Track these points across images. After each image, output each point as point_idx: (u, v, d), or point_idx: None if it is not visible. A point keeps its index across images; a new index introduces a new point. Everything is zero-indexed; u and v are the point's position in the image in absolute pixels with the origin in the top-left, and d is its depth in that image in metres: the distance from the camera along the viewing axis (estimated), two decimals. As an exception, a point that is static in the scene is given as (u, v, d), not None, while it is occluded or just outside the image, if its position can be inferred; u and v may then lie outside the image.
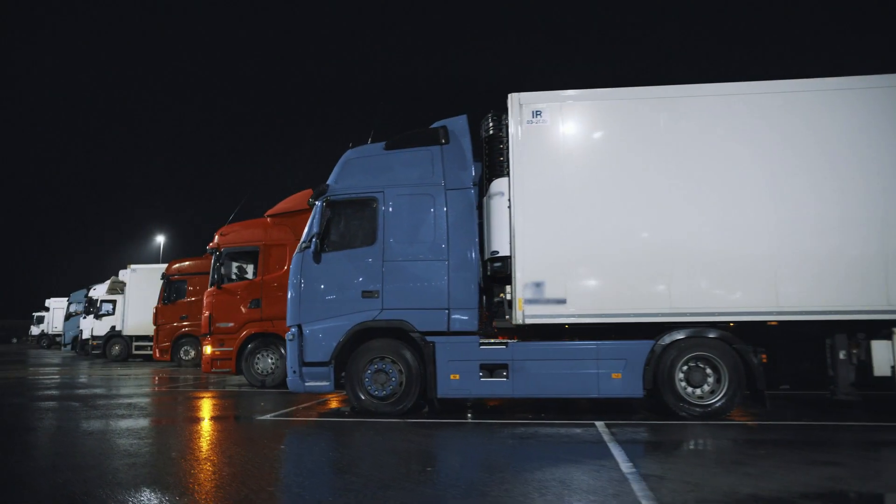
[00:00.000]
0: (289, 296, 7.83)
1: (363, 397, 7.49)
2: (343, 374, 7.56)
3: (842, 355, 7.06)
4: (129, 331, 21.90)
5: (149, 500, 4.02)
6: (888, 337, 6.86)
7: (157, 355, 18.91)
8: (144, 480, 4.58)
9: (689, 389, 7.12)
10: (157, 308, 18.74)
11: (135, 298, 21.53)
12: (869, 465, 5.21)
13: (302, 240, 7.91)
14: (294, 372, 7.61)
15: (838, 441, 6.13)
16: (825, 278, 6.91)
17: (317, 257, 7.71)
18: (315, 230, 7.72)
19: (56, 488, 4.38)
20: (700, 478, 4.43)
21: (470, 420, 7.57)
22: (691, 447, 6.00)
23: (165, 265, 20.01)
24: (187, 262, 18.78)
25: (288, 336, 7.76)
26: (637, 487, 4.07)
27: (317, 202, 7.84)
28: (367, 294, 7.58)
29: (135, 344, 21.89)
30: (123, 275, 22.70)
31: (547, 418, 7.38)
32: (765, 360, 7.08)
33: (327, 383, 7.53)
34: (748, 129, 7.13)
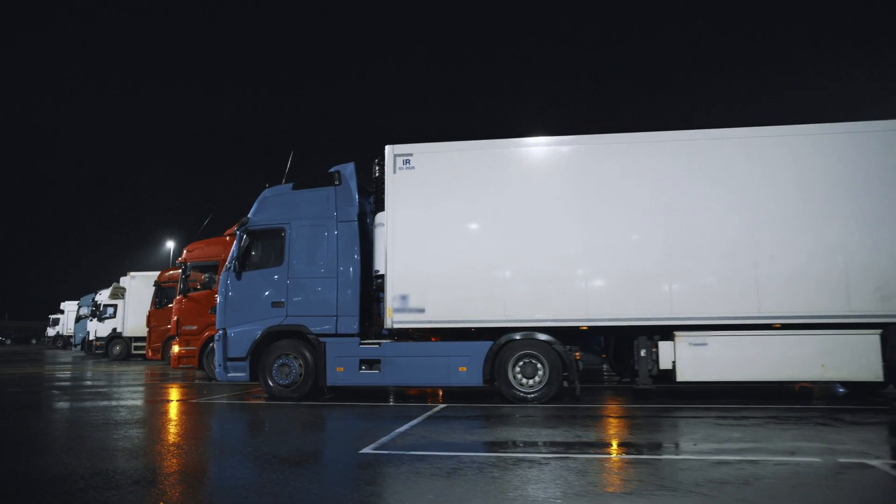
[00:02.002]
0: (217, 305, 10.15)
1: (271, 385, 9.76)
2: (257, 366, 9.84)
3: (642, 353, 9.10)
4: (128, 332, 24.58)
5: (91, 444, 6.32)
6: (671, 339, 8.90)
7: (150, 355, 21.44)
8: (84, 436, 6.89)
9: (523, 380, 9.22)
10: (149, 312, 21.28)
11: (134, 303, 24.18)
12: (606, 430, 7.23)
13: (227, 260, 10.22)
14: (220, 365, 9.93)
15: (597, 414, 8.16)
16: (624, 292, 8.96)
17: (238, 275, 10.01)
18: (236, 254, 10.03)
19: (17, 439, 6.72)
20: (443, 434, 6.56)
21: (341, 403, 9.72)
22: (470, 415, 8.10)
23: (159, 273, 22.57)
24: (177, 271, 21.28)
25: (216, 337, 10.08)
26: (406, 428, 6.22)
27: (238, 231, 10.13)
28: (275, 304, 9.84)
29: (133, 344, 24.55)
30: (124, 281, 25.41)
31: (401, 402, 9.54)
32: (578, 358, 9.17)
33: (244, 374, 9.82)
34: (562, 176, 9.23)
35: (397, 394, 10.76)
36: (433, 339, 9.80)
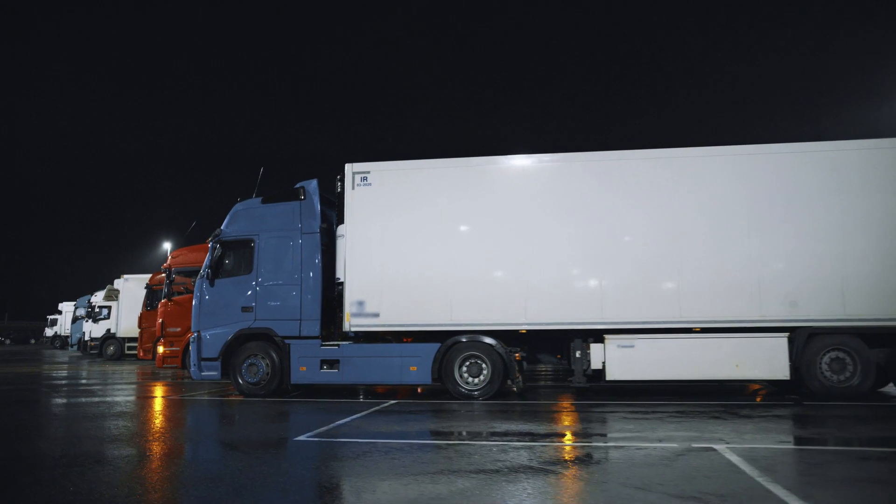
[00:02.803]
0: (192, 310, 11.15)
1: (241, 383, 10.76)
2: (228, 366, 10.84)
3: (577, 354, 10.06)
4: (122, 333, 25.64)
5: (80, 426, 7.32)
6: (602, 341, 9.87)
7: (142, 354, 22.41)
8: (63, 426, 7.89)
9: (469, 378, 10.19)
10: (141, 313, 22.30)
11: (127, 304, 25.22)
12: (543, 422, 8.19)
13: (202, 268, 11.22)
14: (195, 365, 10.94)
15: (524, 409, 9.12)
16: (560, 299, 9.92)
17: (211, 282, 11.02)
18: (209, 262, 11.03)
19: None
20: (376, 425, 7.53)
21: (303, 399, 10.67)
22: (413, 410, 9.06)
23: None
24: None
25: (192, 339, 11.09)
26: (347, 420, 7.20)
27: (211, 242, 11.13)
28: (245, 309, 10.84)
29: (127, 345, 25.59)
30: (118, 283, 26.48)
31: (357, 398, 10.52)
32: (518, 359, 10.14)
33: (216, 373, 10.82)
34: (503, 192, 10.20)
35: (367, 391, 11.72)
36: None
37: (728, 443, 5.99)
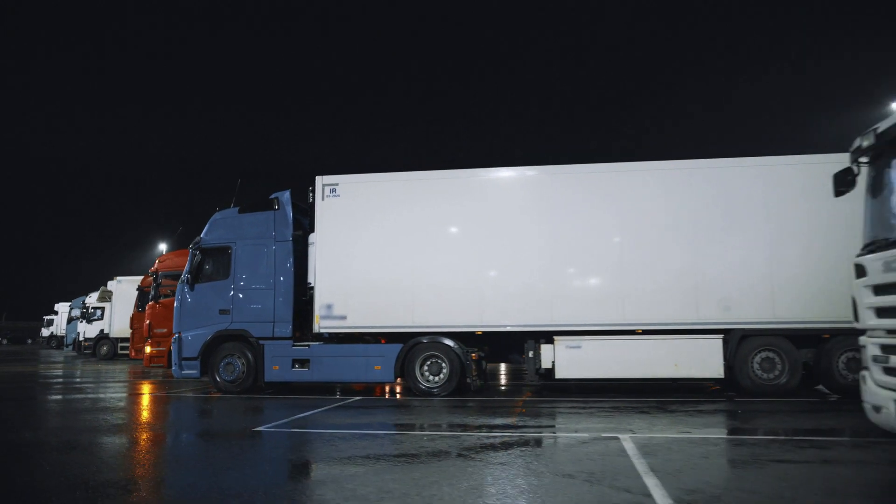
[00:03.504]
0: (174, 312, 12.00)
1: (219, 381, 11.60)
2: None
3: (530, 354, 10.89)
4: (115, 333, 26.52)
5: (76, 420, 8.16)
6: (552, 342, 10.70)
7: (133, 354, 23.26)
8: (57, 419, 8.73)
9: (430, 376, 11.03)
10: (133, 314, 23.15)
11: (120, 306, 26.09)
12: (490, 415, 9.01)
13: (183, 273, 12.06)
14: (176, 364, 11.78)
15: (474, 404, 9.93)
16: (513, 303, 10.75)
17: (191, 286, 11.86)
18: (189, 268, 11.88)
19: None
20: (332, 418, 8.36)
21: (275, 396, 11.51)
22: (372, 406, 9.89)
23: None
24: (159, 276, 23.14)
25: (173, 339, 11.93)
26: (308, 414, 8.02)
27: (191, 249, 11.98)
28: (222, 311, 11.69)
29: (119, 345, 26.46)
30: (111, 285, 27.34)
31: (325, 395, 11.34)
32: (475, 358, 10.97)
33: (196, 371, 11.67)
34: (462, 203, 11.03)
35: (338, 389, 12.55)
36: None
37: (634, 433, 6.82)
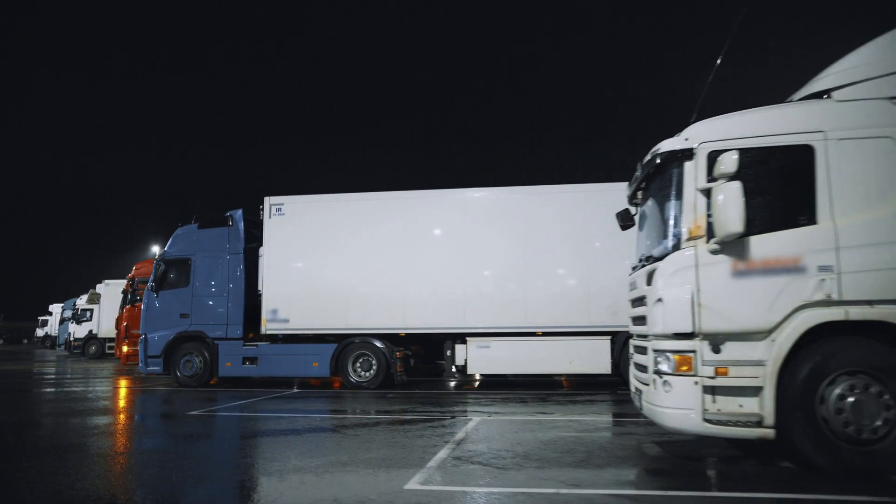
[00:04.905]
0: (141, 315, 13.86)
1: (179, 375, 13.45)
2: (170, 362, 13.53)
3: (448, 353, 12.70)
4: (103, 334, 28.40)
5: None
6: (465, 343, 12.50)
7: (118, 353, 25.19)
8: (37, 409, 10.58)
9: (362, 372, 12.84)
10: (118, 316, 25.02)
11: (107, 307, 27.95)
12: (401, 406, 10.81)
13: (148, 282, 13.92)
14: (142, 361, 13.65)
15: (391, 395, 11.72)
16: (432, 308, 12.56)
17: (156, 293, 13.72)
18: (154, 277, 13.73)
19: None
20: (264, 405, 10.17)
21: (226, 389, 13.34)
22: (306, 396, 11.68)
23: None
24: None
25: (140, 340, 13.79)
26: (245, 402, 9.83)
27: (157, 260, 13.84)
28: (183, 315, 13.54)
29: (107, 345, 28.34)
30: (100, 288, 29.25)
31: (271, 388, 13.17)
32: (400, 356, 12.78)
33: (159, 368, 13.53)
34: (388, 221, 12.84)
35: (283, 383, 14.39)
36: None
37: (489, 415, 8.62)
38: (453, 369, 12.71)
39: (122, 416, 9.40)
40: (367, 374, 12.81)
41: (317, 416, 9.17)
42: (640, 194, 6.89)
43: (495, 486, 4.85)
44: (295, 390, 12.78)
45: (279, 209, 13.27)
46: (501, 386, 13.23)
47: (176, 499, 4.81)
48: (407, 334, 12.82)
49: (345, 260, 12.92)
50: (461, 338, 12.58)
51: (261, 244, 13.71)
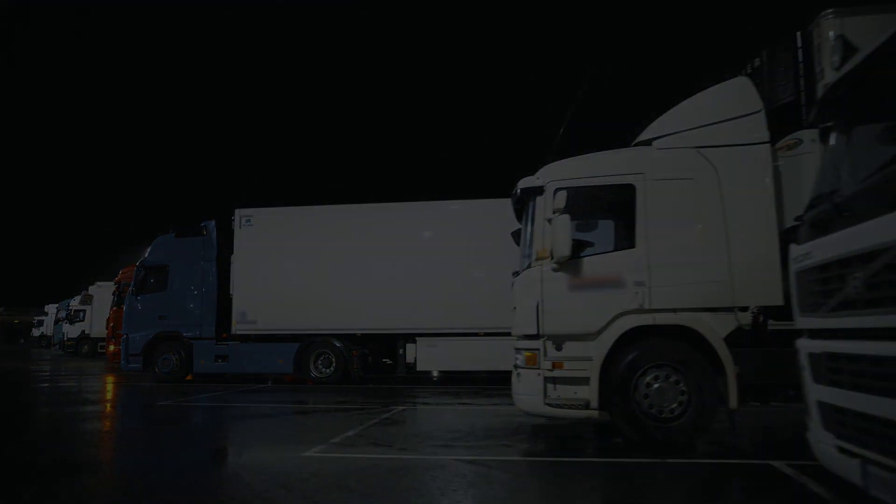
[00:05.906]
0: (122, 317, 15.29)
1: (157, 372, 14.89)
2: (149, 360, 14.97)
3: (400, 352, 14.11)
4: (95, 333, 29.86)
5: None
6: (415, 342, 13.90)
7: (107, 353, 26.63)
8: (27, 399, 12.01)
9: (322, 368, 14.26)
10: (108, 317, 26.44)
11: (99, 308, 29.40)
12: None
13: (130, 286, 15.35)
14: (124, 359, 15.10)
15: (345, 389, 13.11)
16: (384, 311, 13.96)
17: (137, 297, 15.15)
18: (135, 282, 15.17)
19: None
20: (230, 399, 11.57)
21: (202, 384, 14.74)
22: (270, 389, 13.06)
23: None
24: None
25: (122, 339, 15.23)
26: (212, 394, 11.24)
27: (137, 267, 15.27)
28: (161, 317, 14.97)
29: (99, 344, 29.77)
30: (92, 289, 30.70)
31: (244, 383, 14.58)
32: (356, 355, 14.20)
33: (139, 365, 14.97)
34: (345, 232, 14.25)
35: (253, 378, 15.80)
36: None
37: (414, 406, 10.02)
38: (404, 366, 14.12)
39: (104, 406, 10.80)
40: (328, 370, 14.23)
41: (267, 406, 10.59)
42: (518, 218, 8.30)
43: (374, 453, 6.26)
44: (269, 384, 14.21)
45: (248, 220, 14.69)
46: (451, 382, 14.64)
47: (122, 463, 6.23)
48: (363, 334, 14.23)
49: (307, 267, 14.33)
50: (412, 338, 13.99)
51: (232, 252, 15.15)
